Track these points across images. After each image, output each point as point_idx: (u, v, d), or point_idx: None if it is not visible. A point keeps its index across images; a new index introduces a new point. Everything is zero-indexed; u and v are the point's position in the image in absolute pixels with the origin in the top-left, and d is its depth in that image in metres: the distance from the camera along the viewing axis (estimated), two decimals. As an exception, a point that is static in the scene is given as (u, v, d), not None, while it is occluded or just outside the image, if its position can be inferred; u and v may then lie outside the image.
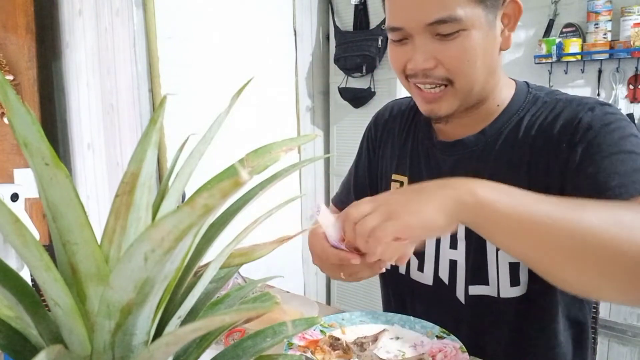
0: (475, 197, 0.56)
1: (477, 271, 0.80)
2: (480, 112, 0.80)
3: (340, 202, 1.04)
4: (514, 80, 0.84)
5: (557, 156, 0.72)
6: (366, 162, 1.01)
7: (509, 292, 0.78)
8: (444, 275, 0.84)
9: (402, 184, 0.92)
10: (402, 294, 0.95)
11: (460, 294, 0.83)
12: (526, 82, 0.84)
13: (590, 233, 0.52)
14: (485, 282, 0.79)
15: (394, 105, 1.01)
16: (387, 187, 0.95)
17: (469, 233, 0.80)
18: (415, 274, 0.88)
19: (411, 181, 0.90)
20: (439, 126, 0.87)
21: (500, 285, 0.78)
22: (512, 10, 0.74)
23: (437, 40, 0.70)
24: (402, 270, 0.90)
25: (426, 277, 0.87)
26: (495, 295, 0.79)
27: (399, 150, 0.94)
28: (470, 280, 0.81)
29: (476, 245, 0.80)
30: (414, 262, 0.88)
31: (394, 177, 0.94)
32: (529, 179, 0.75)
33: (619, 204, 0.60)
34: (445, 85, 0.73)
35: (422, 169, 0.89)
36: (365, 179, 1.01)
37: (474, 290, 0.81)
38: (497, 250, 0.78)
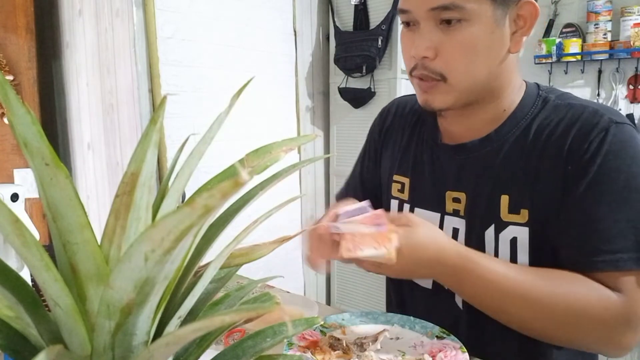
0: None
1: None
2: (486, 113, 0.79)
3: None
4: (525, 81, 0.82)
5: (564, 174, 0.72)
6: (373, 157, 1.01)
7: None
8: None
9: (403, 185, 0.91)
10: (403, 295, 0.94)
11: (458, 299, 0.82)
12: (537, 84, 0.82)
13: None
14: None
15: (399, 103, 1.00)
16: (389, 187, 0.93)
17: (468, 237, 0.80)
18: None
19: (413, 183, 0.89)
20: (445, 127, 0.85)
21: None
22: (528, 12, 0.72)
23: (440, 30, 0.71)
24: None
25: (425, 280, 0.86)
26: None
27: (402, 149, 0.93)
28: None
29: (475, 249, 0.79)
30: None
31: (395, 177, 0.92)
32: (532, 189, 0.74)
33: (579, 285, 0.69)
34: (438, 81, 0.74)
35: (424, 171, 0.88)
36: (374, 177, 1.00)
37: None
38: (496, 254, 0.77)
